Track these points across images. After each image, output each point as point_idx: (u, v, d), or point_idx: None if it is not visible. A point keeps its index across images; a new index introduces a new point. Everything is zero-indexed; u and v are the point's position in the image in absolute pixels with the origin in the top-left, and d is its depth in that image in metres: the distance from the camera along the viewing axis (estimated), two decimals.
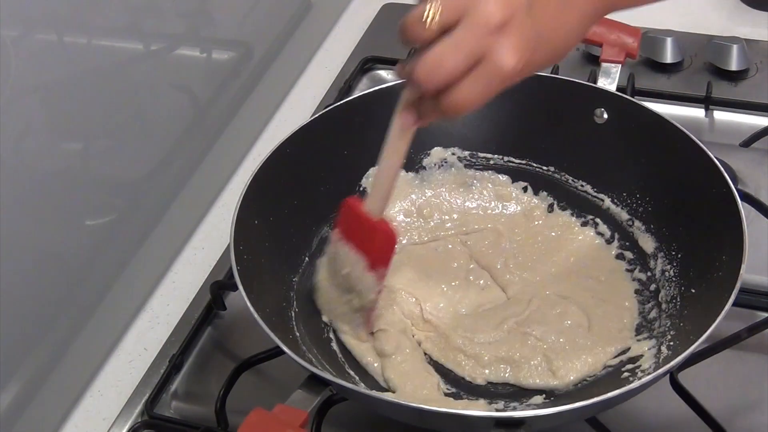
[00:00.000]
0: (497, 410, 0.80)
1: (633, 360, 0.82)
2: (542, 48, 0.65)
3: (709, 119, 1.12)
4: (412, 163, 0.97)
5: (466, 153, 0.98)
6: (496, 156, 0.98)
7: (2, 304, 0.79)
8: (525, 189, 0.98)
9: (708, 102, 1.11)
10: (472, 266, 0.93)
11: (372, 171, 0.95)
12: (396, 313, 0.87)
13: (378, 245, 0.80)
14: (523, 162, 0.97)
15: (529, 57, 0.63)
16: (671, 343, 0.81)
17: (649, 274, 0.89)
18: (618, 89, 0.95)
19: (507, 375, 0.83)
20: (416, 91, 0.67)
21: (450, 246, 0.95)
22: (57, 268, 0.88)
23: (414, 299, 0.89)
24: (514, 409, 0.80)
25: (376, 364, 0.84)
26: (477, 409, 0.79)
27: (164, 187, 1.02)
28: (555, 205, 0.97)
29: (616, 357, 0.84)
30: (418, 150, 0.97)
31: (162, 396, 0.88)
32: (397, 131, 0.72)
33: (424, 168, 0.98)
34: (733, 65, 1.14)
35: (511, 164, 0.98)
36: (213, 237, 1.05)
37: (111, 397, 0.91)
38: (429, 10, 0.62)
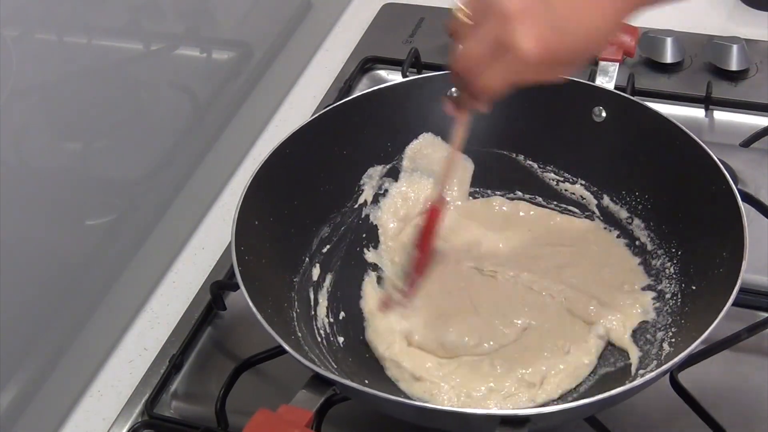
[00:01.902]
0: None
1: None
2: (566, 39, 0.67)
3: (709, 119, 1.12)
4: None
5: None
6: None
7: (2, 304, 0.79)
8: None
9: (708, 102, 1.11)
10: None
11: (371, 170, 0.95)
12: None
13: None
14: (521, 159, 0.98)
15: (551, 45, 0.66)
16: (672, 340, 0.81)
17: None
18: (618, 89, 0.95)
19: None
20: (457, 81, 0.72)
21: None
22: (57, 268, 0.88)
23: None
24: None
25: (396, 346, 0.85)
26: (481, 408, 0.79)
27: (164, 187, 1.02)
28: (554, 203, 0.97)
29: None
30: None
31: (162, 396, 0.88)
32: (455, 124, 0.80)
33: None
34: (733, 65, 1.14)
35: None
36: (213, 237, 1.05)
37: (111, 397, 0.91)
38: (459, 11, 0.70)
